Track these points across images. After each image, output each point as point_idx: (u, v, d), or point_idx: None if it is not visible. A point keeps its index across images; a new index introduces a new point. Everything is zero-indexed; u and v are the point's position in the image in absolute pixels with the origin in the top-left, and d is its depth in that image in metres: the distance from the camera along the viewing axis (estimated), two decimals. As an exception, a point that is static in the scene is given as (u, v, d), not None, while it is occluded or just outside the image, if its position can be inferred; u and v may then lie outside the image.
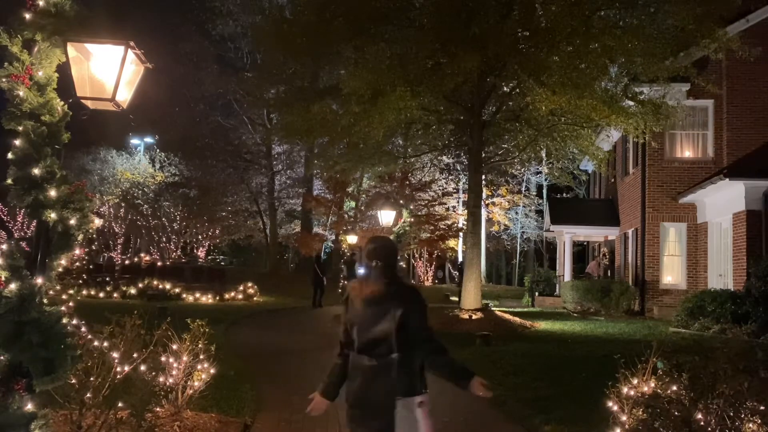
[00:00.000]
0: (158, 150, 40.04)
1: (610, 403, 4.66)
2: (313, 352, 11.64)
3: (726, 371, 4.17)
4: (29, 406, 3.29)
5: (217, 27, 35.87)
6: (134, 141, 43.08)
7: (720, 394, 4.14)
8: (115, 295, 21.81)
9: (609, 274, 22.98)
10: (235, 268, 42.48)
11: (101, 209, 35.50)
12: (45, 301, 3.47)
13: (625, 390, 4.57)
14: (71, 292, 20.94)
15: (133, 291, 21.83)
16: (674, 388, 4.24)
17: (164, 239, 38.55)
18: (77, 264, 24.15)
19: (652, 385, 4.45)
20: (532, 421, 6.54)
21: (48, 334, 3.39)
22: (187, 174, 38.84)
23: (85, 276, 23.56)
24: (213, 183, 37.91)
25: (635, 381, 4.61)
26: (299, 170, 38.63)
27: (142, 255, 37.70)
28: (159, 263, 32.82)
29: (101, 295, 21.60)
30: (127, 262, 33.59)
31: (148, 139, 42.89)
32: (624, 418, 4.46)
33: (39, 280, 3.43)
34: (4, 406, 3.22)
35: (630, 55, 13.96)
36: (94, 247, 34.55)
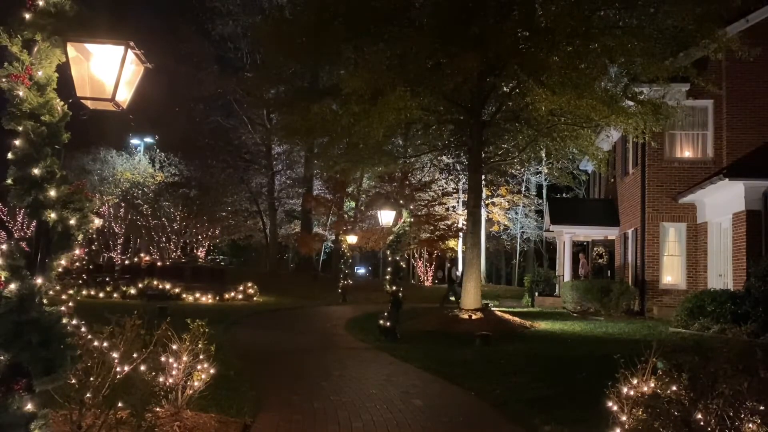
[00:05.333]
0: (158, 150, 40.04)
1: (610, 403, 4.66)
2: (312, 352, 11.64)
3: (726, 371, 4.18)
4: (29, 406, 3.29)
5: (217, 27, 35.90)
6: (134, 141, 43.08)
7: (720, 394, 4.14)
8: (115, 295, 21.79)
9: (609, 274, 22.98)
10: (234, 268, 42.45)
11: (101, 209, 35.49)
12: (45, 301, 3.47)
13: (624, 390, 4.57)
14: (71, 292, 20.92)
15: (132, 291, 21.81)
16: (674, 388, 4.25)
17: (164, 239, 38.54)
18: (77, 264, 24.16)
19: (652, 385, 4.45)
20: (532, 421, 6.54)
21: (48, 334, 3.39)
22: (187, 174, 38.85)
23: (85, 276, 23.56)
24: (213, 183, 37.92)
25: (635, 381, 4.61)
26: (299, 170, 38.66)
27: (142, 255, 37.67)
28: (159, 263, 32.78)
29: (101, 295, 21.59)
30: (126, 262, 33.56)
31: (148, 139, 42.89)
32: (624, 418, 4.46)
33: (39, 280, 3.43)
34: (3, 406, 3.22)
35: (630, 55, 13.96)
36: (94, 247, 34.55)
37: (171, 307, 16.13)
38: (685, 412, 4.04)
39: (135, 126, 37.10)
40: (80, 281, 22.62)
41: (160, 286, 22.00)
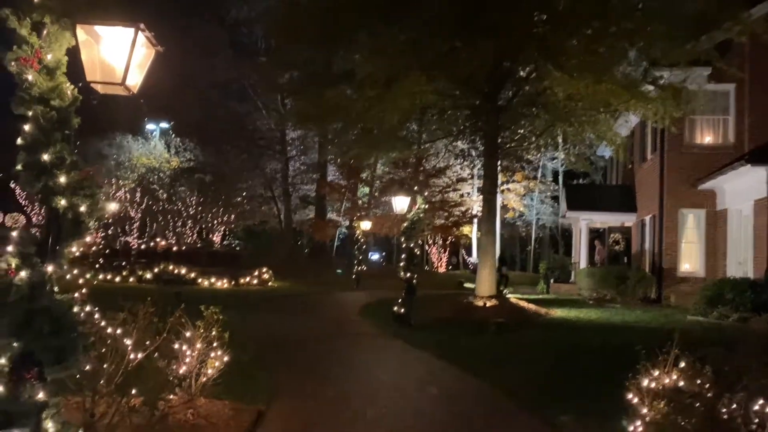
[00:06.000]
0: (173, 135, 40.10)
1: (630, 395, 4.55)
2: (326, 338, 11.63)
3: (750, 365, 4.06)
4: (41, 395, 3.25)
5: (231, 12, 35.73)
6: (150, 126, 43.18)
7: (744, 387, 4.03)
8: (131, 279, 21.96)
9: (626, 261, 22.74)
10: (250, 253, 42.63)
11: (117, 194, 35.69)
12: (56, 288, 3.43)
13: (645, 382, 4.46)
14: (88, 276, 21.05)
15: (148, 275, 21.97)
16: (697, 381, 4.13)
17: (180, 224, 38.73)
18: (94, 249, 24.31)
19: (674, 377, 4.33)
20: (547, 411, 6.45)
21: (59, 322, 3.35)
22: (203, 159, 38.89)
23: (101, 260, 23.75)
24: (228, 169, 37.93)
25: (656, 373, 4.49)
26: (313, 156, 38.53)
27: (158, 240, 37.91)
28: (174, 248, 32.97)
29: (117, 279, 21.77)
30: (143, 246, 33.79)
31: (164, 125, 42.97)
32: (644, 410, 4.36)
33: (50, 268, 3.39)
34: (15, 395, 3.19)
35: (650, 39, 13.65)
36: (110, 232, 34.78)
37: (186, 291, 16.21)
38: (709, 406, 3.93)
39: (150, 111, 37.17)
40: (97, 265, 22.80)
41: (176, 271, 22.13)
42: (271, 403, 6.35)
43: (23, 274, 3.29)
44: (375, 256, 51.90)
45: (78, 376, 4.05)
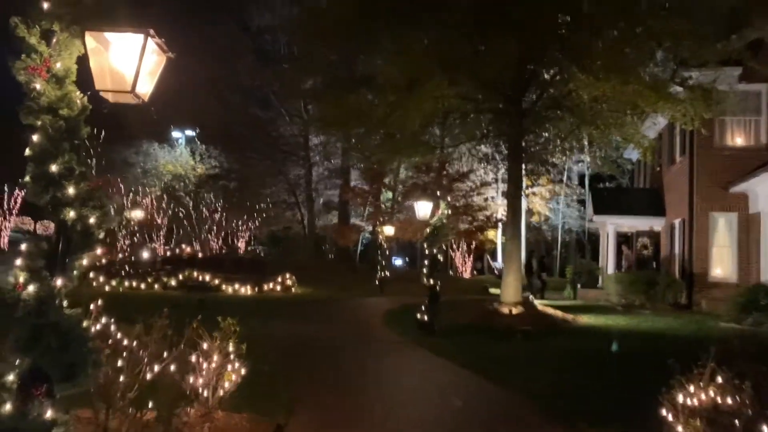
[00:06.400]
0: (199, 143, 40.46)
1: (664, 412, 4.32)
2: (349, 346, 11.48)
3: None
4: (49, 412, 3.16)
5: (254, 19, 35.97)
6: (175, 134, 43.63)
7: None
8: (156, 286, 22.06)
9: (655, 266, 22.24)
10: (273, 258, 42.80)
11: (144, 201, 36.06)
12: (65, 303, 3.34)
13: (680, 398, 4.22)
14: (114, 283, 21.28)
15: (173, 282, 22.05)
16: (736, 398, 3.89)
17: (205, 230, 38.99)
18: (120, 256, 24.51)
19: (711, 393, 4.09)
20: (575, 422, 6.23)
21: (68, 337, 3.26)
22: (227, 166, 39.16)
23: (127, 267, 23.94)
24: (252, 175, 38.12)
25: (691, 388, 4.25)
26: (336, 161, 38.58)
27: (183, 246, 38.22)
28: (199, 254, 33.16)
29: (143, 286, 21.89)
30: (168, 253, 34.05)
31: (189, 132, 43.38)
32: (679, 428, 4.13)
33: (59, 282, 3.30)
34: (23, 412, 3.10)
35: (678, 39, 13.30)
36: (136, 239, 35.14)
37: (210, 298, 16.23)
38: (749, 425, 3.70)
39: (174, 119, 37.49)
40: (122, 273, 22.99)
41: (200, 278, 22.19)
42: (291, 415, 6.21)
43: (31, 288, 3.21)
44: (398, 261, 51.69)
45: (92, 389, 3.96)
